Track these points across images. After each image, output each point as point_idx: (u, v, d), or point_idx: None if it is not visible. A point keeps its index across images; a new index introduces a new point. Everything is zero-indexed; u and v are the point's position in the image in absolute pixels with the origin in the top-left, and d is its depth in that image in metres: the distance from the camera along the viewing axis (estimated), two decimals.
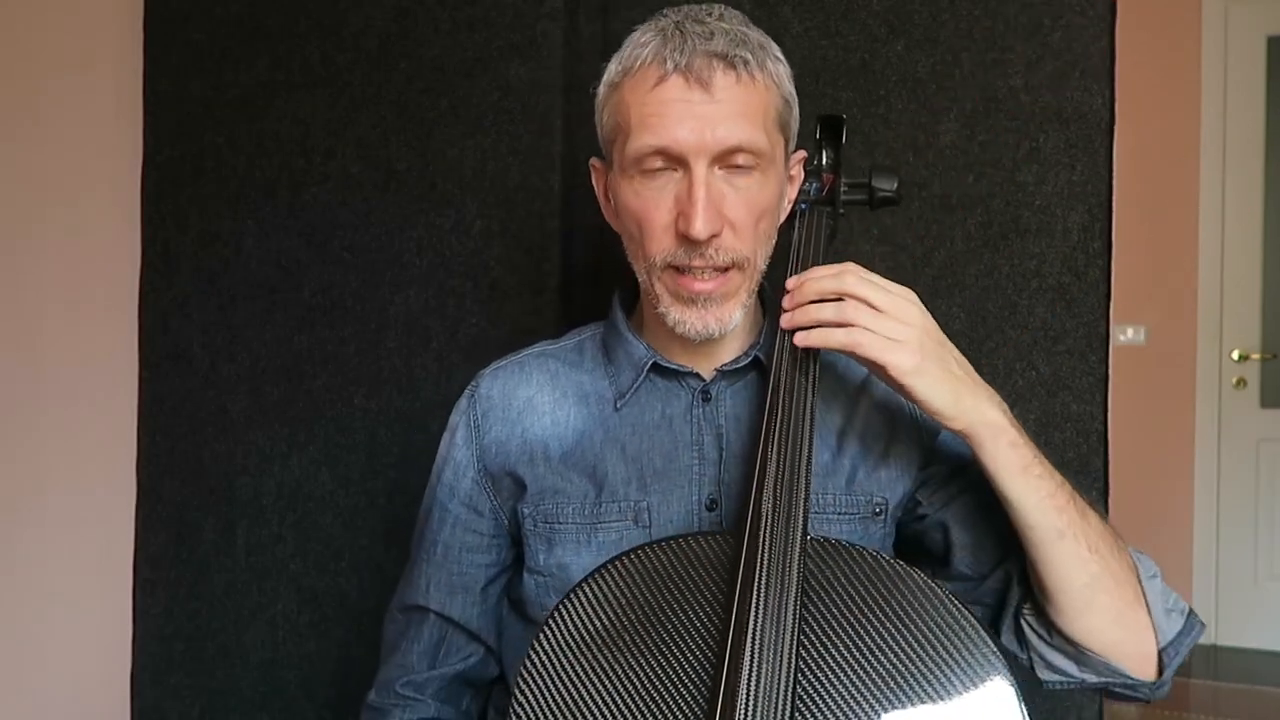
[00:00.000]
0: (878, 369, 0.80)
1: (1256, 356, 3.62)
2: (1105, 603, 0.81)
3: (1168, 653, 0.84)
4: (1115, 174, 1.18)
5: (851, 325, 0.79)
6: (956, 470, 0.92)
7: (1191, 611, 0.86)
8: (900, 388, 0.79)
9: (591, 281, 1.35)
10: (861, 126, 1.24)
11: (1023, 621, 0.87)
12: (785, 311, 0.84)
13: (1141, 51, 3.38)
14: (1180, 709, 3.21)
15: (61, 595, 1.63)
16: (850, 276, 0.80)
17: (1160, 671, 0.84)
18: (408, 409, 1.39)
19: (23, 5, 1.62)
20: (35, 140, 1.62)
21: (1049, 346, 1.18)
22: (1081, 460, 1.17)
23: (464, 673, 0.99)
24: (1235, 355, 3.63)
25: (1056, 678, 0.87)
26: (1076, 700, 1.19)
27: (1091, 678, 0.85)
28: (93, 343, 1.62)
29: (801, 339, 0.81)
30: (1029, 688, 1.00)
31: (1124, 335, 3.68)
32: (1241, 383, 3.64)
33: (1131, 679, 0.84)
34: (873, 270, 1.19)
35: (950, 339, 1.24)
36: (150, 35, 1.54)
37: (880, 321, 0.78)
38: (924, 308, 0.81)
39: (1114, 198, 1.18)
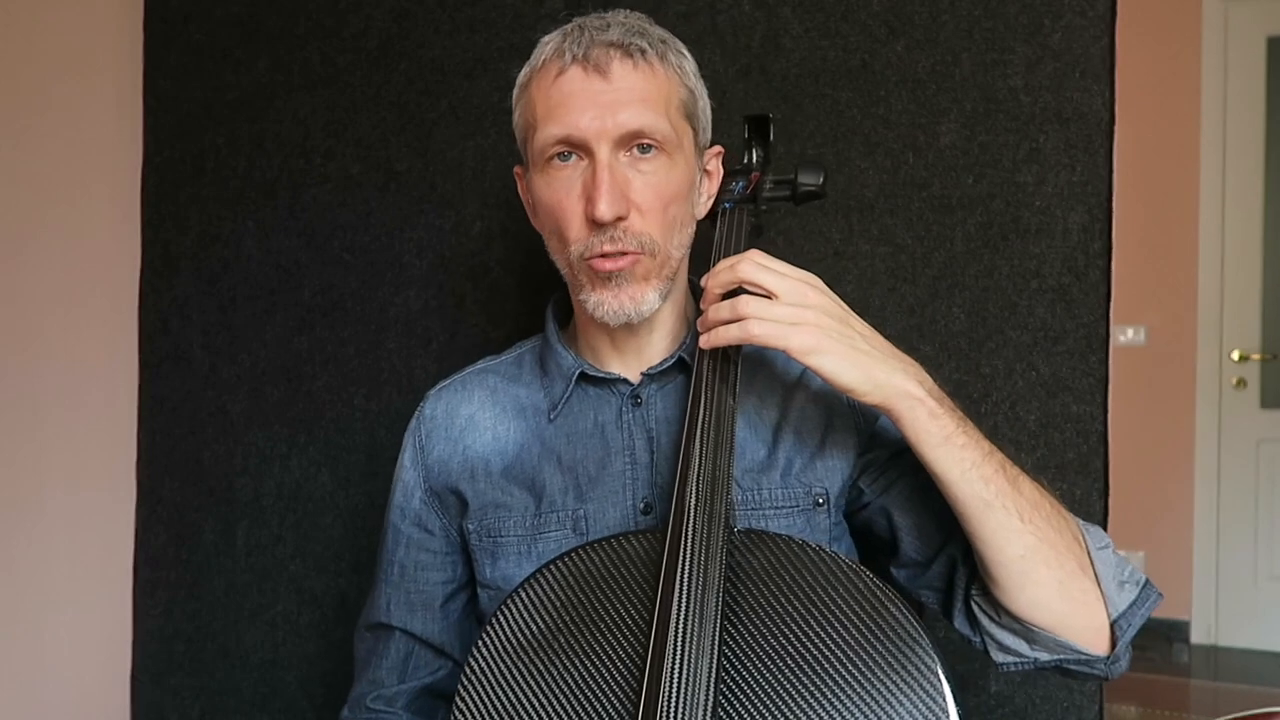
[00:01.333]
0: (785, 354, 0.79)
1: (1256, 357, 3.62)
2: (1045, 574, 0.79)
3: (1119, 625, 0.81)
4: (1115, 174, 1.18)
5: (744, 318, 0.78)
6: (895, 455, 0.91)
7: (1148, 583, 0.84)
8: (810, 370, 0.78)
9: None
10: (861, 127, 1.24)
11: (972, 603, 0.86)
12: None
13: (1141, 52, 3.39)
14: (1180, 709, 3.21)
15: (61, 595, 1.62)
16: (745, 264, 0.80)
17: (1114, 645, 0.82)
18: (408, 410, 1.38)
19: (23, 6, 1.62)
20: (36, 141, 1.62)
21: (1049, 347, 1.18)
22: (1081, 461, 1.17)
23: (433, 685, 1.00)
24: (1235, 356, 3.63)
25: (1010, 659, 0.85)
26: (1076, 701, 1.19)
27: (1044, 655, 0.83)
28: (93, 344, 1.62)
29: (703, 342, 0.82)
30: (1020, 686, 1.00)
31: (1124, 336, 3.68)
32: (1241, 383, 3.64)
33: (1084, 654, 0.81)
34: (872, 271, 1.19)
35: (950, 340, 1.24)
36: (150, 36, 1.54)
37: (775, 308, 0.78)
38: (825, 288, 0.81)
39: (1114, 198, 1.18)
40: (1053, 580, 0.79)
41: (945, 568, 0.89)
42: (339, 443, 1.43)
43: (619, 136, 0.84)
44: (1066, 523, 0.82)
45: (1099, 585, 0.81)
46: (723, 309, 0.80)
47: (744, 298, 0.79)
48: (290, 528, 1.45)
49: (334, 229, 1.43)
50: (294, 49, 1.45)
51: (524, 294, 1.35)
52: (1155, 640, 3.71)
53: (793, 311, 0.78)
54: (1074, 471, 1.16)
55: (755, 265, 0.79)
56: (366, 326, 1.41)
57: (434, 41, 1.39)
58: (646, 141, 0.85)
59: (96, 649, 1.60)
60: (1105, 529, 1.16)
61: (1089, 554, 0.82)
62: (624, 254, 0.86)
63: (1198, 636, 3.73)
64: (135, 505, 1.53)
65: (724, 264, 0.82)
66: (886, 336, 1.24)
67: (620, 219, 0.85)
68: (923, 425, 0.78)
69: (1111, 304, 1.17)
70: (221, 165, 1.49)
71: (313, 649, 1.44)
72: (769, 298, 0.78)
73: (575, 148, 0.86)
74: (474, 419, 0.99)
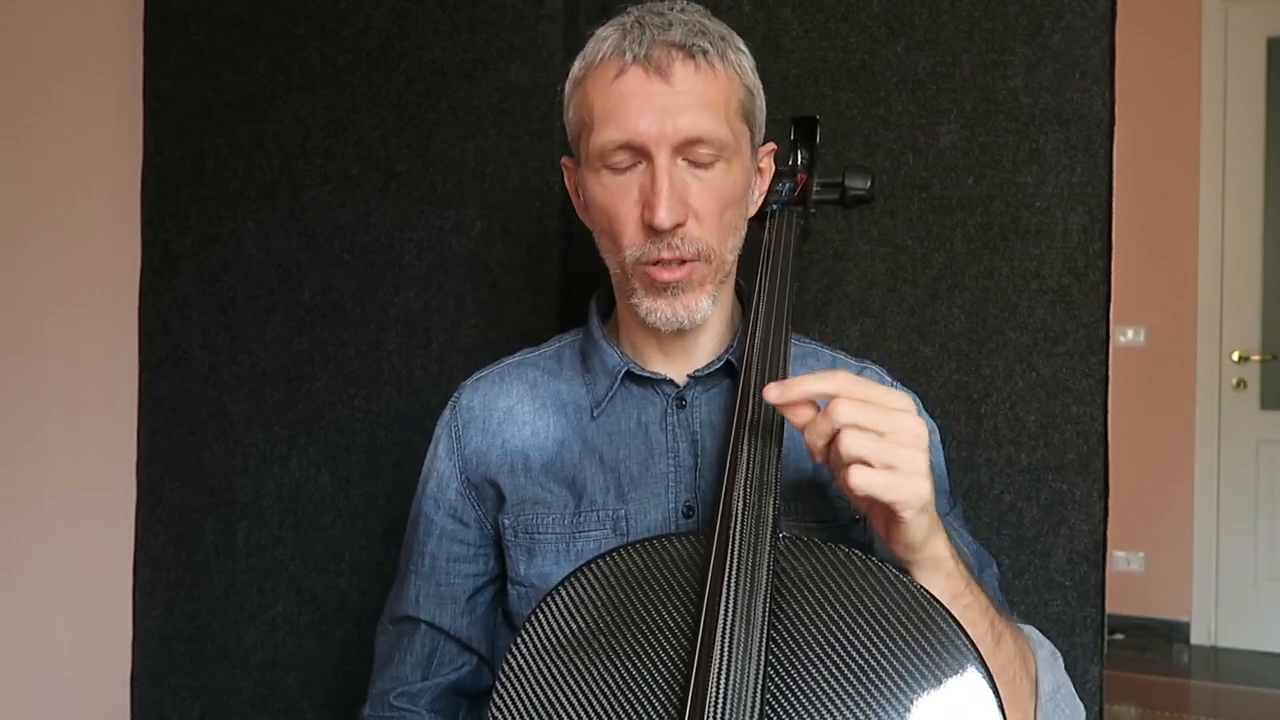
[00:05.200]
0: (876, 507, 0.73)
1: (1256, 358, 3.62)
2: None
3: None
4: (1115, 175, 1.18)
5: (847, 459, 0.69)
6: None
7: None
8: (890, 509, 0.70)
9: (591, 282, 1.34)
10: (861, 128, 1.24)
11: None
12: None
13: (1142, 52, 3.39)
14: (1180, 709, 3.22)
15: (61, 595, 1.63)
16: (842, 406, 0.68)
17: None
18: (408, 410, 1.39)
19: (23, 7, 1.62)
20: (36, 142, 1.62)
21: (1049, 348, 1.18)
22: (1081, 461, 1.17)
23: (457, 683, 0.99)
24: (1235, 356, 3.63)
25: None
26: None
27: None
28: (93, 344, 1.62)
29: (815, 457, 0.72)
30: None
31: (1124, 336, 3.68)
32: (1241, 384, 3.64)
33: None
34: (872, 272, 1.19)
35: (950, 341, 1.24)
36: (150, 36, 1.54)
37: (883, 449, 0.68)
38: (914, 408, 0.72)
39: (1114, 199, 1.18)
40: None
41: None
42: (339, 443, 1.42)
43: (678, 143, 0.83)
44: (1028, 679, 0.82)
45: None
46: (820, 431, 0.71)
47: (849, 434, 0.69)
48: (290, 528, 1.45)
49: (334, 229, 1.43)
50: (294, 49, 1.45)
51: (524, 294, 1.35)
52: (1155, 641, 3.71)
53: (905, 456, 0.69)
54: (1074, 472, 1.16)
55: (854, 406, 0.69)
56: (366, 327, 1.41)
57: (434, 42, 1.39)
58: (705, 150, 0.84)
59: (96, 649, 1.60)
60: (1105, 530, 1.16)
61: (1035, 705, 0.82)
62: (682, 262, 0.85)
63: (1197, 637, 3.73)
64: (135, 505, 1.53)
65: (812, 384, 0.71)
66: (886, 337, 1.25)
67: (679, 226, 0.83)
68: (939, 584, 0.76)
69: (1111, 304, 1.17)
70: (221, 165, 1.49)
71: (313, 649, 1.44)
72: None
73: (634, 152, 0.84)
74: (512, 412, 0.97)
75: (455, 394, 1.02)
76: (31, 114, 1.62)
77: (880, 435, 0.69)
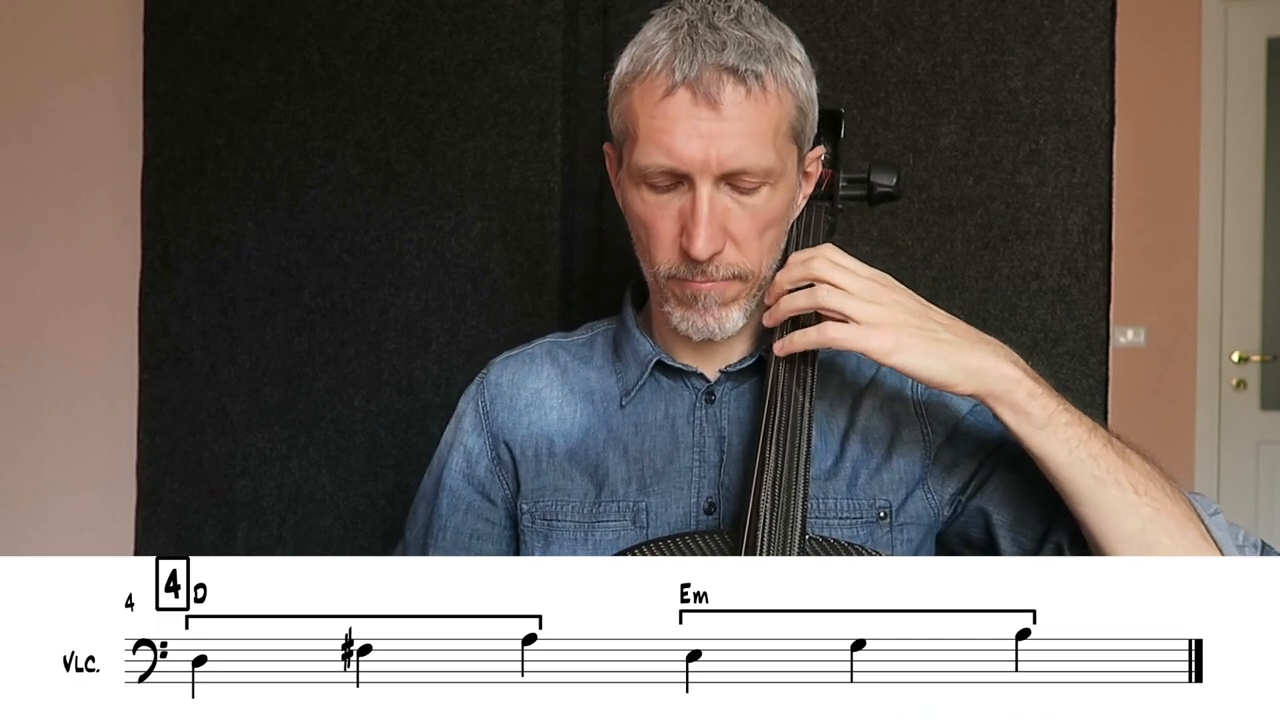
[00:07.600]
0: (856, 360, 0.79)
1: (1256, 358, 3.61)
2: (1167, 545, 0.75)
3: None
4: (1115, 175, 1.18)
5: (823, 320, 0.79)
6: (986, 456, 0.89)
7: (1266, 545, 0.83)
8: (895, 370, 0.78)
9: (592, 283, 1.35)
10: (862, 128, 1.24)
11: None
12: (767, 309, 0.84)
13: (1141, 53, 3.38)
14: None
15: None
16: (818, 261, 0.80)
17: None
18: (408, 411, 1.39)
19: (24, 8, 1.62)
20: (36, 143, 1.62)
21: (1049, 349, 1.18)
22: None
23: None
24: (1235, 357, 3.63)
25: None
26: None
27: None
28: (93, 345, 1.62)
29: (778, 348, 0.82)
30: None
31: (1124, 337, 3.68)
32: (1241, 384, 3.64)
33: None
34: None
35: None
36: (150, 37, 1.54)
37: (850, 303, 0.78)
38: (896, 283, 0.80)
39: (1114, 199, 1.18)
40: (1176, 551, 0.76)
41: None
42: (339, 444, 1.42)
43: (722, 173, 0.81)
44: (1178, 491, 0.79)
45: (1220, 552, 0.78)
46: (798, 297, 0.80)
47: (820, 286, 0.78)
48: (290, 529, 1.45)
49: (334, 230, 1.43)
50: (294, 50, 1.45)
51: (524, 294, 1.35)
52: None
53: (870, 310, 0.77)
54: None
55: (829, 263, 0.79)
56: (366, 328, 1.41)
57: (434, 43, 1.39)
58: (749, 179, 0.82)
59: None
60: None
61: (1203, 521, 0.79)
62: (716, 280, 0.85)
63: None
64: (135, 506, 1.53)
65: (795, 258, 0.82)
66: None
67: (715, 254, 0.83)
68: (1023, 407, 0.76)
69: (1111, 305, 1.17)
70: (221, 166, 1.49)
71: None
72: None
73: (676, 176, 0.82)
74: (540, 395, 0.97)
75: (484, 370, 1.01)
76: (31, 114, 1.62)
77: (846, 293, 0.78)
